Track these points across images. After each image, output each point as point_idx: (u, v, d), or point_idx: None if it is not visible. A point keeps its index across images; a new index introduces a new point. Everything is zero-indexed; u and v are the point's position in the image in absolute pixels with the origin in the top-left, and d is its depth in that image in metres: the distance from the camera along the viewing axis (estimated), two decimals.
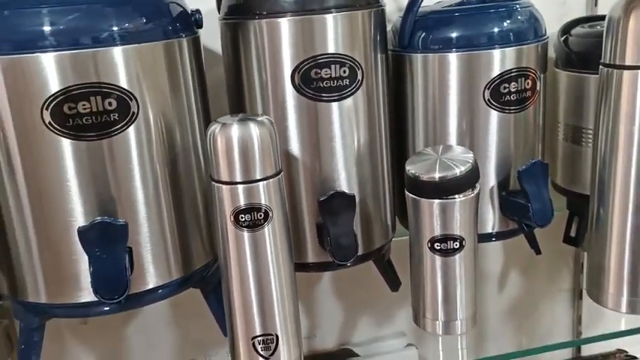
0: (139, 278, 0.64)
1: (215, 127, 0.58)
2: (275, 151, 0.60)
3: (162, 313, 0.94)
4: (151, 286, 0.65)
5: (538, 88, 0.76)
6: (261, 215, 0.59)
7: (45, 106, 0.56)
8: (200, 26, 0.68)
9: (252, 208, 0.59)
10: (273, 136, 0.59)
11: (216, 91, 0.76)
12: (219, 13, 0.73)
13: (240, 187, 0.58)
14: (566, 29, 0.87)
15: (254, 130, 0.58)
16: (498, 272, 1.05)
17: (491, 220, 0.79)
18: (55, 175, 0.59)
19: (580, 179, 0.86)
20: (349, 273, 0.88)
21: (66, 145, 0.57)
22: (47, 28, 0.56)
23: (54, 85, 0.56)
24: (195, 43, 0.67)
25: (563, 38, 0.86)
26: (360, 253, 0.74)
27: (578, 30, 0.86)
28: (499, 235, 0.81)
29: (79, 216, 0.60)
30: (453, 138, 0.76)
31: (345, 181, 0.72)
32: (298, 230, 0.72)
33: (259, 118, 0.59)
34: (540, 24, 0.76)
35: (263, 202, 0.59)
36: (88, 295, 0.62)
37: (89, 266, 0.59)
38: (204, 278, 0.71)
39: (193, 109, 0.67)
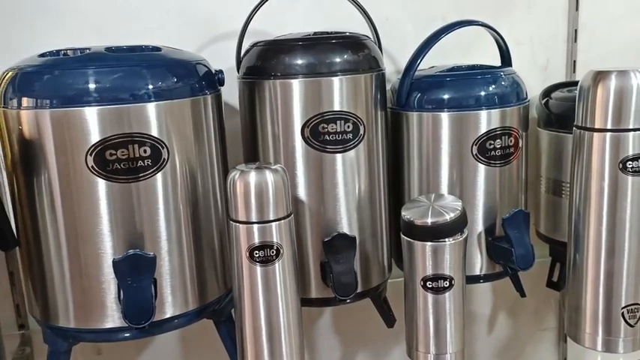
0: (159, 308, 0.70)
1: (235, 174, 0.66)
2: (287, 196, 0.68)
3: (172, 345, 1.00)
4: (169, 314, 0.72)
5: (520, 145, 0.84)
6: (273, 252, 0.66)
7: (89, 152, 0.64)
8: (222, 84, 0.77)
9: (265, 246, 0.66)
10: (286, 182, 0.68)
11: (231, 139, 0.84)
12: (237, 72, 0.82)
13: (256, 226, 0.66)
14: (547, 93, 0.96)
15: (269, 176, 0.66)
16: (487, 314, 1.12)
17: (479, 264, 0.86)
18: (91, 213, 0.66)
19: (561, 228, 0.95)
20: (348, 310, 0.95)
21: (103, 186, 0.65)
22: (92, 86, 0.65)
23: (96, 135, 0.65)
24: (218, 99, 0.76)
25: (544, 101, 0.95)
26: (359, 290, 0.82)
27: (557, 94, 0.95)
28: (486, 278, 0.88)
29: (108, 249, 0.67)
30: (444, 187, 0.84)
31: (346, 224, 0.80)
32: (303, 268, 0.80)
33: (274, 167, 0.68)
34: (522, 89, 0.86)
35: (275, 240, 0.67)
36: (112, 322, 0.69)
37: (119, 294, 0.66)
38: (217, 310, 0.77)
39: (214, 157, 0.75)
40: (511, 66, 0.89)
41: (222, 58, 0.84)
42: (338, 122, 0.76)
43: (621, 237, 0.75)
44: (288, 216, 0.68)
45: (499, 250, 0.83)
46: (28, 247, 0.70)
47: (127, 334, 0.71)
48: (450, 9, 0.99)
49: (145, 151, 0.66)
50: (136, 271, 0.65)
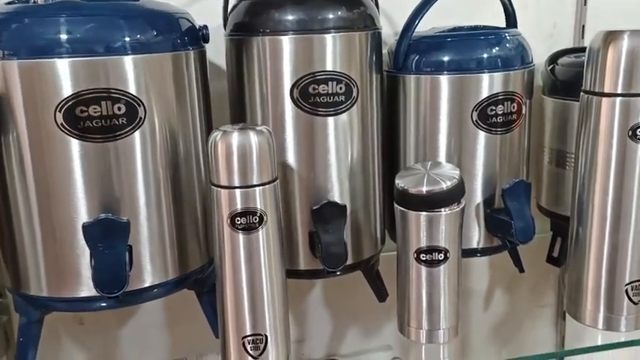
0: (137, 276, 0.67)
1: (216, 134, 0.62)
2: (272, 160, 0.63)
3: (155, 315, 0.96)
4: (148, 284, 0.68)
5: (524, 112, 0.80)
6: (256, 219, 0.62)
7: (58, 109, 0.59)
8: (207, 41, 0.72)
9: (247, 212, 0.62)
10: (271, 144, 0.63)
11: (219, 102, 0.80)
12: (225, 29, 0.77)
13: (238, 191, 0.62)
14: (553, 59, 0.91)
15: (253, 138, 0.62)
16: (484, 289, 1.08)
17: (476, 236, 0.82)
18: (63, 174, 0.62)
19: (563, 201, 0.90)
20: (339, 283, 0.91)
21: (75, 145, 0.61)
22: (64, 36, 0.60)
23: (67, 89, 0.60)
24: (201, 56, 0.71)
25: (550, 67, 0.90)
26: (349, 262, 0.78)
27: (564, 60, 0.90)
28: (484, 251, 0.84)
29: (82, 213, 0.63)
30: (442, 155, 0.80)
31: (337, 192, 0.75)
32: (291, 238, 0.76)
33: (258, 128, 0.63)
34: (527, 52, 0.81)
35: (259, 206, 0.63)
36: (87, 290, 0.65)
37: (91, 261, 0.62)
38: (199, 280, 0.74)
39: (196, 118, 0.71)
40: (516, 27, 0.84)
41: (211, 15, 0.79)
42: (330, 83, 0.71)
43: (628, 208, 0.71)
44: (273, 181, 0.64)
45: (498, 222, 0.79)
46: None
47: (103, 304, 0.67)
48: None
49: (119, 109, 0.61)
50: (108, 236, 0.61)
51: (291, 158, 0.74)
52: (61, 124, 0.60)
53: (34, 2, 0.64)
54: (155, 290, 0.69)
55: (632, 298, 0.72)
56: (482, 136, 0.78)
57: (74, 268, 0.65)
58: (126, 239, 0.62)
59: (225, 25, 0.77)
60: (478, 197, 0.80)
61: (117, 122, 0.61)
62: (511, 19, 0.85)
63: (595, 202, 0.72)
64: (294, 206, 0.75)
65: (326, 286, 1.01)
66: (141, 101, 0.62)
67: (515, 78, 0.79)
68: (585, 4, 0.99)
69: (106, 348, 0.96)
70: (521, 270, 0.90)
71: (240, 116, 0.76)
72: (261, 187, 0.63)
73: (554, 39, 1.00)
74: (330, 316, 1.03)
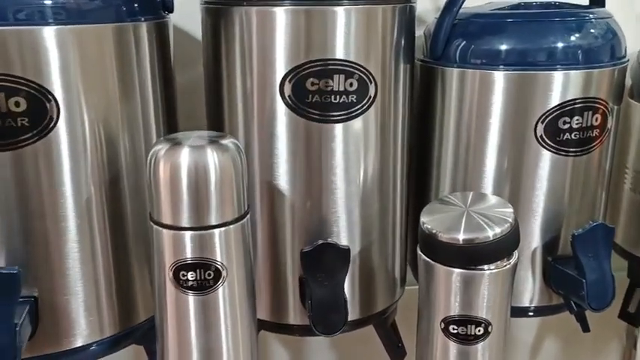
0: (57, 335, 0.49)
1: (158, 149, 0.42)
2: (239, 187, 0.44)
3: None
4: (78, 343, 0.50)
5: (609, 125, 0.58)
6: (210, 274, 0.43)
7: None
8: (169, 9, 0.53)
9: (199, 264, 0.43)
10: (238, 166, 0.43)
11: (194, 95, 0.60)
12: None
13: (188, 234, 0.42)
14: None
15: (211, 157, 0.42)
16: (531, 342, 0.87)
17: (529, 291, 0.61)
18: None
19: None
20: (349, 337, 0.71)
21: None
22: None
23: None
24: (160, 31, 0.52)
25: None
26: (356, 317, 0.59)
27: None
28: (538, 311, 0.64)
29: None
30: (488, 182, 0.59)
31: (344, 226, 0.56)
32: (280, 284, 0.58)
33: (223, 141, 0.43)
34: (620, 41, 0.58)
35: (218, 257, 0.43)
36: None
37: None
38: (150, 334, 0.55)
39: (150, 117, 0.52)
40: (604, 6, 0.62)
41: None
42: (336, 77, 0.51)
43: None
44: (240, 218, 0.44)
45: (563, 276, 0.58)
46: None
47: None
48: None
49: (16, 104, 0.42)
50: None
51: (281, 178, 0.54)
52: None
53: None
54: (88, 350, 0.52)
55: None
56: (548, 157, 0.57)
57: None
58: (15, 295, 0.43)
59: None
60: (536, 240, 0.60)
61: (14, 124, 0.42)
62: None
63: None
64: (283, 244, 0.56)
65: (334, 340, 0.81)
66: (51, 94, 0.43)
67: (601, 78, 0.57)
68: None
69: None
70: (586, 329, 0.68)
71: (216, 117, 0.57)
72: (221, 229, 0.43)
73: None
74: None
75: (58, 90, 0.44)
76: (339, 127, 0.53)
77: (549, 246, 0.59)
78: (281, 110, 0.52)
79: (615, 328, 0.85)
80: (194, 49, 0.62)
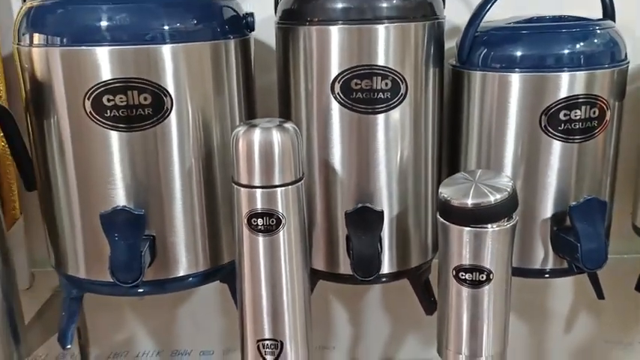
0: (167, 265, 0.67)
1: (239, 130, 0.59)
2: (296, 159, 0.60)
3: (211, 300, 0.97)
4: (180, 273, 0.68)
5: (607, 117, 0.68)
6: (273, 221, 0.59)
7: (87, 96, 0.60)
8: (251, 29, 0.69)
9: (266, 213, 0.59)
10: (295, 143, 0.59)
11: (272, 93, 0.77)
12: (275, 16, 0.74)
13: (258, 191, 0.59)
14: None
15: (275, 136, 0.58)
16: (565, 313, 0.97)
17: (542, 256, 0.73)
18: (96, 162, 0.63)
19: None
20: (397, 288, 0.85)
21: (104, 134, 0.61)
22: (101, 24, 0.60)
23: (102, 77, 0.60)
24: (244, 45, 0.69)
25: None
26: (393, 270, 0.73)
27: None
28: (553, 273, 0.74)
29: (115, 202, 0.64)
30: (507, 163, 0.71)
31: (381, 196, 0.70)
32: (332, 240, 0.72)
33: (285, 125, 0.60)
34: (619, 48, 0.69)
35: (280, 208, 0.59)
36: None
37: (110, 250, 0.62)
38: (232, 274, 0.72)
39: (235, 109, 0.69)
40: (614, 20, 0.72)
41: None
42: (374, 78, 0.66)
43: None
44: (296, 181, 0.60)
45: (564, 242, 0.69)
46: (43, 192, 0.69)
47: (140, 290, 0.68)
48: None
49: (145, 99, 0.60)
50: (124, 227, 0.61)
51: (335, 157, 0.69)
52: (90, 112, 0.60)
53: None
54: (187, 280, 0.69)
55: None
56: (554, 144, 0.68)
57: (106, 253, 0.66)
58: (142, 230, 0.62)
59: (275, 12, 0.74)
60: (548, 212, 0.71)
61: (142, 112, 0.61)
62: (608, 9, 0.73)
63: None
64: (335, 208, 0.71)
65: (384, 290, 0.96)
66: (167, 92, 0.61)
67: (602, 78, 0.68)
68: None
69: (163, 324, 0.99)
70: (601, 296, 0.79)
71: (286, 109, 0.73)
72: (282, 188, 0.59)
73: None
74: (388, 321, 0.98)
75: (171, 89, 0.61)
76: (375, 118, 0.67)
77: (556, 218, 0.70)
78: (333, 105, 0.67)
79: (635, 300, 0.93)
80: (271, 58, 0.79)
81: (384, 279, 0.75)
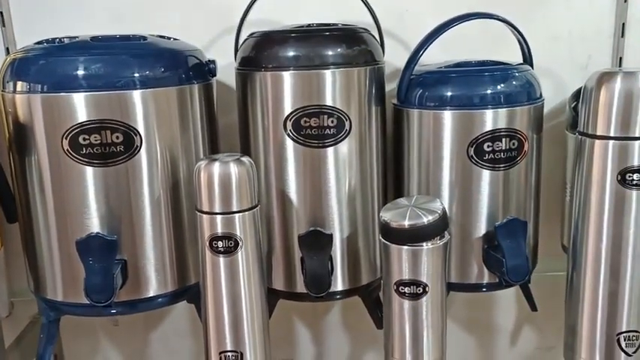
0: (138, 287, 0.74)
1: (201, 164, 0.67)
2: (252, 188, 0.68)
3: (182, 324, 1.03)
4: (150, 294, 0.75)
5: (526, 148, 0.78)
6: (232, 243, 0.67)
7: (64, 136, 0.68)
8: (213, 74, 0.78)
9: (225, 237, 0.67)
10: (251, 174, 0.68)
11: (235, 130, 0.85)
12: (235, 62, 0.83)
13: (218, 217, 0.67)
14: (576, 95, 0.88)
15: (233, 168, 0.67)
16: (509, 325, 1.06)
17: (477, 272, 0.81)
18: (73, 195, 0.70)
19: None
20: (358, 306, 0.93)
21: (80, 169, 0.69)
22: (78, 73, 0.68)
23: (75, 119, 0.68)
24: (207, 90, 0.77)
25: (573, 104, 0.87)
26: (345, 287, 0.81)
27: None
28: (488, 287, 0.83)
29: (89, 230, 0.71)
30: (444, 189, 0.80)
31: (334, 220, 0.78)
32: (289, 262, 0.80)
33: (242, 158, 0.68)
34: (535, 88, 0.79)
35: (238, 232, 0.67)
36: None
37: (85, 272, 0.69)
38: (198, 294, 0.79)
39: (200, 145, 0.77)
40: (532, 64, 0.83)
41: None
42: (321, 117, 0.75)
43: (622, 256, 0.68)
44: (252, 208, 0.68)
45: (493, 259, 0.78)
46: (24, 222, 0.76)
47: (112, 310, 0.75)
48: (478, 1, 0.92)
49: (117, 138, 0.68)
50: (98, 252, 0.68)
51: (290, 187, 0.78)
52: (67, 150, 0.68)
53: (60, 42, 0.73)
54: (157, 300, 0.76)
55: (626, 349, 0.69)
56: (480, 171, 0.78)
57: (82, 277, 0.72)
58: (114, 255, 0.69)
59: (235, 59, 0.83)
60: (479, 232, 0.80)
61: (115, 149, 0.69)
62: (526, 55, 0.83)
63: (589, 247, 0.70)
64: (291, 232, 0.79)
65: (344, 307, 1.04)
66: (137, 131, 0.69)
67: (521, 114, 0.77)
68: (623, 36, 0.95)
69: (137, 349, 1.05)
70: (534, 308, 0.87)
71: (246, 145, 0.81)
72: (240, 214, 0.67)
73: (588, 70, 0.96)
74: (348, 338, 1.05)
75: (141, 128, 0.69)
76: (323, 151, 0.76)
77: (486, 237, 0.79)
78: (286, 140, 0.76)
79: None
80: (233, 99, 0.87)
81: (337, 296, 0.82)
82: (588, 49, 0.95)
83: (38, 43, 0.73)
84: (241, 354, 0.70)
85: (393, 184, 0.86)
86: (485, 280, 0.82)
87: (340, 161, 0.77)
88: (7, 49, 0.91)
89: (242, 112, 0.81)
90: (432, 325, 0.73)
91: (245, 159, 0.68)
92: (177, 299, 0.77)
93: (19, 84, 0.70)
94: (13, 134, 0.72)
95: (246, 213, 0.68)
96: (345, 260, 0.80)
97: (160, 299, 0.76)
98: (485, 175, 0.78)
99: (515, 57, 0.84)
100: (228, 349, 0.70)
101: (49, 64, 0.69)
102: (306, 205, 0.78)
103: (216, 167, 0.67)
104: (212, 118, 0.79)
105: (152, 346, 1.05)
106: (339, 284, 0.80)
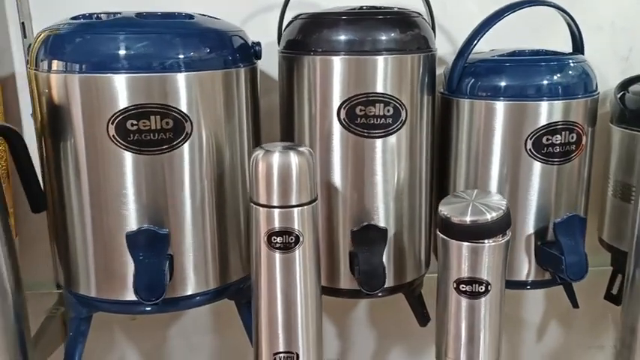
0: (179, 284, 0.69)
1: (258, 153, 0.63)
2: (311, 181, 0.64)
3: (203, 319, 0.99)
4: (189, 292, 0.70)
5: (584, 142, 0.76)
6: (292, 239, 0.63)
7: (111, 121, 0.62)
8: (259, 57, 0.73)
9: (285, 232, 0.63)
10: (311, 165, 0.63)
11: (270, 116, 0.81)
12: (278, 45, 0.78)
13: (276, 211, 0.63)
14: (624, 85, 0.86)
15: (293, 159, 0.62)
16: (538, 322, 1.04)
17: (526, 269, 0.79)
18: (113, 183, 0.65)
19: (626, 236, 0.85)
20: (384, 303, 0.90)
21: (126, 157, 0.64)
22: (120, 53, 0.63)
23: (121, 103, 0.63)
24: (252, 73, 0.72)
25: (619, 95, 0.85)
26: (390, 285, 0.77)
27: (636, 87, 0.85)
28: (534, 284, 0.81)
29: (131, 222, 0.66)
30: (493, 183, 0.77)
31: (382, 214, 0.75)
32: (333, 257, 0.76)
33: (300, 148, 0.64)
34: (591, 79, 0.77)
35: (296, 227, 0.63)
36: (131, 294, 0.67)
37: (134, 268, 0.64)
38: (240, 291, 0.75)
39: (244, 133, 0.72)
40: (583, 53, 0.80)
41: (268, 30, 0.81)
42: (377, 105, 0.71)
43: None
44: (311, 202, 0.64)
45: (548, 256, 0.75)
46: (54, 212, 0.70)
47: (147, 308, 0.70)
48: None
49: (167, 124, 0.63)
50: (149, 246, 0.63)
51: (336, 178, 0.74)
52: (113, 135, 0.63)
53: (98, 18, 0.67)
54: (196, 298, 0.71)
55: None
56: (536, 165, 0.75)
57: (120, 272, 0.67)
58: (166, 250, 0.64)
59: (279, 41, 0.78)
60: (530, 229, 0.77)
61: (164, 136, 0.63)
62: (577, 43, 0.81)
63: None
64: (337, 226, 0.75)
65: (372, 304, 1.01)
66: (188, 117, 0.64)
67: (577, 107, 0.75)
68: None
69: (155, 345, 1.00)
70: (575, 305, 0.86)
71: (289, 133, 0.77)
72: (299, 208, 0.63)
73: (629, 63, 0.95)
74: (373, 335, 1.02)
75: (191, 114, 0.65)
76: (378, 142, 0.72)
77: (539, 233, 0.76)
78: (336, 129, 0.72)
79: (607, 312, 1.02)
80: (267, 84, 0.82)
81: (380, 293, 0.79)
82: (630, 40, 0.94)
83: (74, 18, 0.67)
84: (297, 355, 0.66)
85: (437, 178, 0.83)
86: (532, 278, 0.80)
87: (393, 152, 0.73)
88: (23, 24, 0.84)
89: (286, 98, 0.77)
90: (490, 326, 0.70)
91: (304, 149, 0.64)
92: (218, 297, 0.73)
93: (55, 62, 0.64)
94: (48, 117, 0.66)
95: (305, 207, 0.63)
96: (392, 256, 0.77)
97: (199, 297, 0.71)
98: (542, 169, 0.75)
99: (556, 46, 0.81)
100: (282, 350, 0.66)
101: (92, 42, 0.63)
102: (354, 198, 0.74)
103: (276, 157, 0.62)
104: (256, 104, 0.74)
105: (171, 342, 1.00)
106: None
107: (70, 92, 0.64)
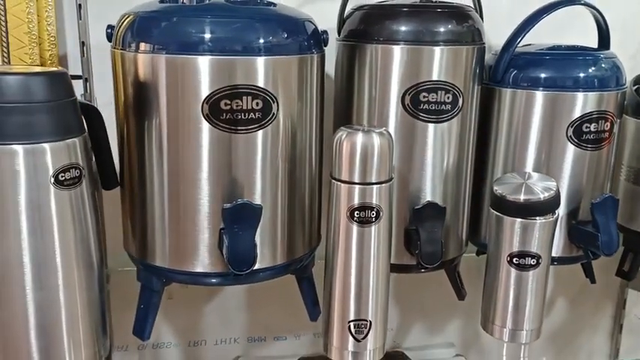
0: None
1: (342, 134, 0.67)
2: (390, 160, 0.69)
3: (237, 296, 1.02)
4: (259, 266, 0.73)
5: (614, 130, 0.84)
6: (373, 214, 0.68)
7: (206, 101, 0.65)
8: (326, 45, 0.77)
9: (366, 207, 0.68)
10: (391, 146, 0.68)
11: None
12: (338, 35, 0.82)
13: (357, 187, 0.67)
14: (639, 80, 0.95)
15: (376, 139, 0.67)
16: (547, 296, 1.12)
17: (555, 246, 0.86)
18: (197, 159, 0.68)
19: (638, 218, 0.94)
20: (410, 280, 0.96)
21: (212, 134, 0.67)
22: (207, 36, 0.66)
23: (207, 83, 0.65)
24: (322, 60, 0.76)
25: (635, 87, 0.94)
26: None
27: None
28: (561, 260, 0.88)
29: (207, 196, 0.69)
30: (529, 167, 0.84)
31: (430, 194, 0.80)
32: (398, 233, 0.80)
33: (380, 130, 0.69)
34: (622, 73, 0.85)
35: (375, 202, 0.68)
36: (202, 266, 0.71)
37: (220, 241, 0.68)
38: (301, 267, 0.79)
39: (314, 116, 0.76)
40: (609, 49, 0.88)
41: (320, 19, 0.84)
42: (439, 92, 0.76)
43: None
44: (389, 180, 0.69)
45: (583, 234, 0.83)
46: (132, 188, 0.72)
47: (214, 280, 0.73)
48: None
49: (257, 104, 0.67)
50: (243, 219, 0.67)
51: (394, 159, 0.78)
52: (207, 114, 0.66)
53: (183, 2, 0.70)
54: (265, 273, 0.74)
55: None
56: (572, 150, 0.82)
57: (195, 244, 0.70)
58: (258, 222, 0.68)
59: (339, 31, 0.82)
60: (562, 209, 0.84)
61: (254, 116, 0.67)
62: (605, 39, 0.88)
63: None
64: (400, 204, 0.79)
65: (396, 282, 1.06)
66: (275, 98, 0.68)
67: (609, 98, 0.83)
68: None
69: (190, 322, 1.03)
70: (593, 281, 0.94)
71: (345, 117, 0.81)
72: (378, 185, 0.68)
73: (636, 61, 1.04)
74: (398, 310, 1.08)
75: (279, 96, 0.69)
76: (432, 126, 0.77)
77: (572, 213, 0.84)
78: (395, 113, 0.77)
79: (609, 289, 1.12)
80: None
81: (423, 270, 0.85)
82: (638, 39, 1.02)
83: (161, 1, 0.69)
84: (370, 323, 0.71)
85: (476, 161, 0.89)
86: (559, 254, 0.87)
87: (447, 136, 0.79)
88: (80, 6, 0.85)
89: (344, 84, 0.81)
90: (536, 296, 0.77)
91: (384, 131, 0.69)
92: (284, 272, 0.77)
93: (143, 44, 0.67)
94: (132, 95, 0.69)
95: (384, 185, 0.68)
96: (442, 235, 0.82)
97: (269, 271, 0.75)
98: (577, 154, 0.82)
99: (575, 41, 0.88)
100: (356, 317, 0.71)
101: (182, 25, 0.66)
102: (408, 178, 0.79)
103: (360, 137, 0.67)
104: (323, 89, 0.78)
105: (207, 319, 1.03)
106: None
107: (156, 72, 0.66)
